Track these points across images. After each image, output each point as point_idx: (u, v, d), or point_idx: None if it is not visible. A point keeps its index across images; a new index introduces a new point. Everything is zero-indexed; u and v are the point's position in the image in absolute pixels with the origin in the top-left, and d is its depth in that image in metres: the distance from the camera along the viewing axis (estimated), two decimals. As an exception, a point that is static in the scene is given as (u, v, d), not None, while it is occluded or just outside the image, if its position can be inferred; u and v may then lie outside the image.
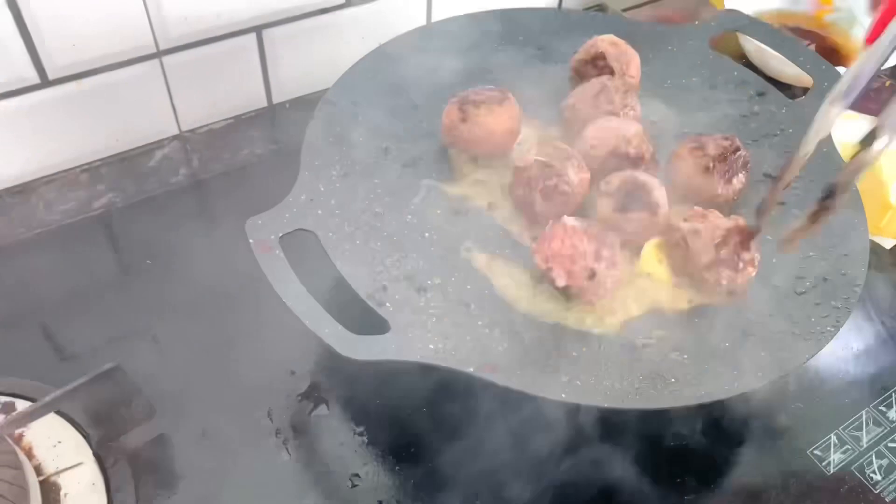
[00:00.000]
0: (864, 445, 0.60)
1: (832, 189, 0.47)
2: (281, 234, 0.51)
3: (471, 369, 0.46)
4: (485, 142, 0.62)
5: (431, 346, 0.48)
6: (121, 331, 0.61)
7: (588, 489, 0.55)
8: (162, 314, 0.62)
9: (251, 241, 0.49)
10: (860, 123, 0.86)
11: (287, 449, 0.55)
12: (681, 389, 0.49)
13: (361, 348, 0.45)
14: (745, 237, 0.54)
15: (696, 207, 0.57)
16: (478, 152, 0.63)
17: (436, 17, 0.85)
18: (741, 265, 0.54)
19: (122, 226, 0.70)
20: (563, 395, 0.46)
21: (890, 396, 0.63)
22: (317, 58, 0.81)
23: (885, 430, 0.61)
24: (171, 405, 0.56)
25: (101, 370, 0.49)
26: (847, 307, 0.54)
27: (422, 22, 0.85)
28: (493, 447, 0.55)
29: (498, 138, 0.62)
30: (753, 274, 0.55)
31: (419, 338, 0.48)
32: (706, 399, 0.48)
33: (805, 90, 0.83)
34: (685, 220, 0.56)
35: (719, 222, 0.55)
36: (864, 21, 0.95)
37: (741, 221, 0.56)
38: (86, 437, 0.53)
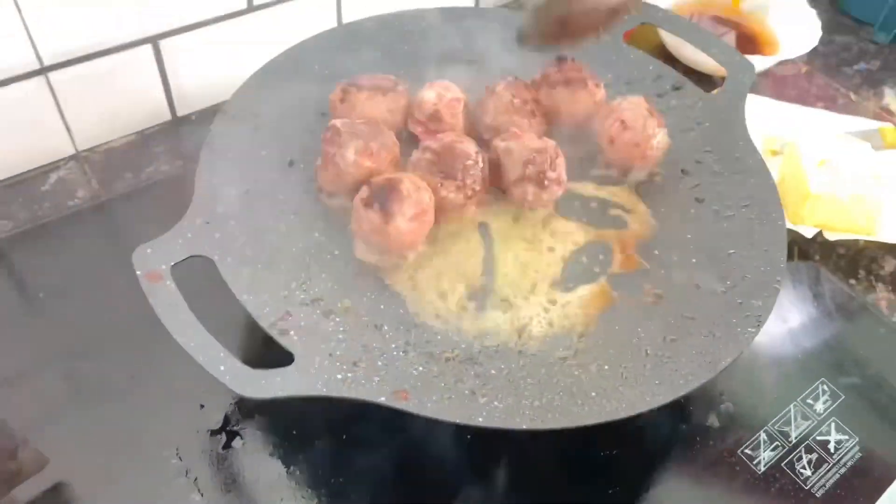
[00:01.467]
0: (794, 441, 0.59)
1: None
2: (173, 263, 0.47)
3: (382, 399, 0.44)
4: None
5: (339, 376, 0.45)
6: (7, 372, 0.56)
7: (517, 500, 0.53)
8: (55, 352, 0.58)
9: (139, 272, 0.46)
10: (779, 111, 0.86)
11: (198, 489, 0.52)
12: (602, 404, 0.47)
13: (260, 385, 0.42)
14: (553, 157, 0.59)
15: (513, 129, 0.61)
16: None
17: (346, 19, 0.82)
18: (547, 183, 0.58)
19: (13, 256, 0.65)
20: (480, 420, 0.44)
21: (816, 388, 0.62)
22: (221, 66, 0.77)
23: (814, 423, 0.60)
24: (68, 451, 0.52)
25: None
26: (767, 305, 0.53)
27: (332, 24, 0.82)
28: (422, 473, 0.53)
29: None
30: (559, 192, 0.59)
31: (326, 368, 0.45)
32: (628, 412, 0.46)
33: (722, 80, 0.83)
34: (502, 139, 0.60)
35: (530, 142, 0.59)
36: (778, 9, 0.95)
37: (551, 143, 0.59)
38: (-30, 496, 0.48)
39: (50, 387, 0.56)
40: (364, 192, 0.53)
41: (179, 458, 0.53)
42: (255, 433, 0.55)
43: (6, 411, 0.52)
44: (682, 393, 0.48)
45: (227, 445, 0.54)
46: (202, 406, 0.56)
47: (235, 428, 0.55)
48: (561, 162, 0.59)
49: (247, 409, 0.56)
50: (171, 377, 0.56)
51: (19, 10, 0.61)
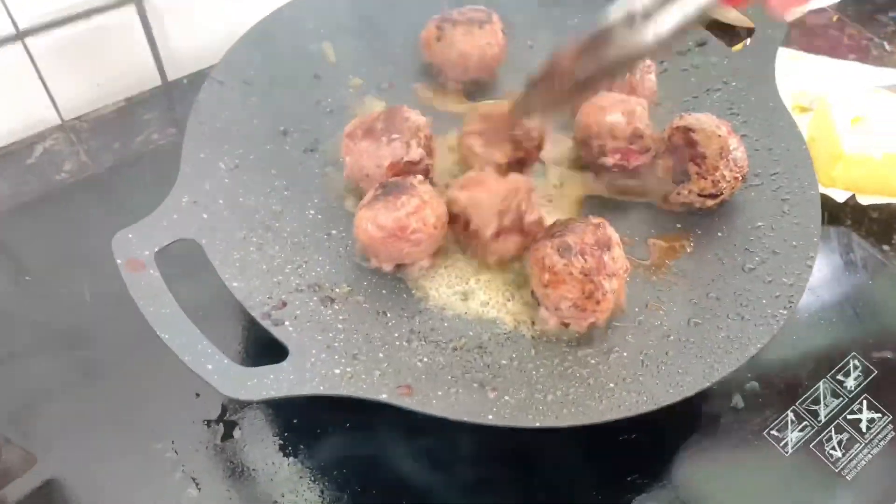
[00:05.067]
0: (823, 420, 0.56)
1: (603, 69, 0.44)
2: (157, 249, 0.44)
3: (383, 396, 0.40)
4: (461, 65, 0.59)
5: (338, 371, 0.42)
6: (-1, 362, 0.54)
7: (532, 490, 0.50)
8: (42, 337, 0.55)
9: (119, 261, 0.42)
10: (808, 64, 0.81)
11: (195, 483, 0.49)
12: (622, 396, 0.44)
13: (251, 385, 0.39)
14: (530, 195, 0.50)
15: (470, 172, 0.52)
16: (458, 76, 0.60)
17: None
18: (530, 228, 0.50)
19: (-2, 235, 0.62)
20: (490, 418, 0.41)
21: (847, 364, 0.59)
22: (214, 26, 0.72)
23: (844, 402, 0.57)
24: (57, 447, 0.49)
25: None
26: (800, 283, 0.50)
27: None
28: (425, 462, 0.50)
29: (475, 62, 0.59)
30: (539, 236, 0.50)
31: (323, 362, 0.42)
32: (649, 407, 0.43)
33: (748, 32, 0.77)
34: (461, 187, 0.51)
35: (496, 186, 0.50)
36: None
37: (520, 180, 0.50)
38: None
39: (36, 375, 0.53)
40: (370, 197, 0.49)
41: (175, 450, 0.51)
42: (255, 423, 0.52)
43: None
44: (708, 383, 0.45)
45: (226, 436, 0.51)
46: (198, 395, 0.53)
47: (234, 418, 0.52)
48: (535, 199, 0.51)
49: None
50: (165, 364, 0.52)
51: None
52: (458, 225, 0.50)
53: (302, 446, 0.51)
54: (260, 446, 0.51)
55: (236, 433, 0.52)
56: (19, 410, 0.50)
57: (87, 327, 0.56)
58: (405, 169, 0.50)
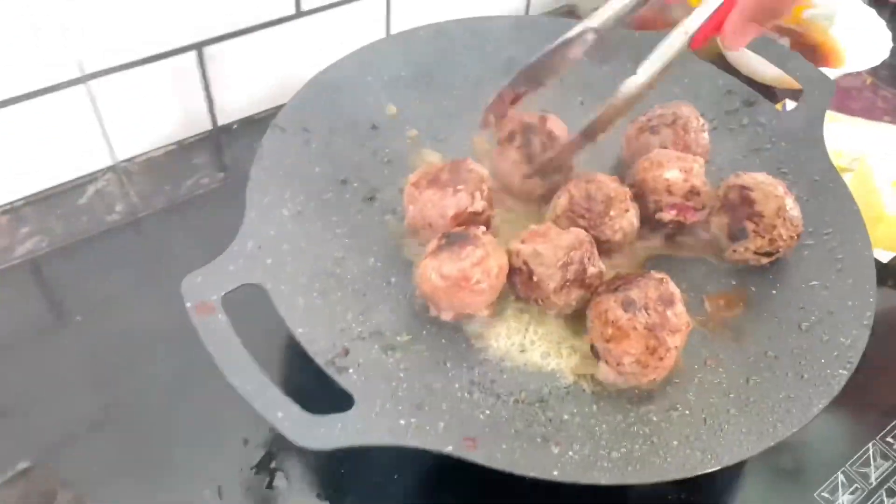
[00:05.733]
0: (874, 482, 0.55)
1: (591, 127, 0.50)
2: (224, 293, 0.44)
3: (449, 448, 0.40)
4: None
5: (402, 422, 0.42)
6: (40, 397, 0.53)
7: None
8: (91, 377, 0.55)
9: (188, 304, 0.43)
10: (845, 125, 0.82)
11: (241, 529, 0.49)
12: (686, 454, 0.43)
13: (320, 434, 0.39)
14: (593, 247, 0.51)
15: (532, 226, 0.52)
16: None
17: (395, 28, 0.79)
18: (591, 281, 0.51)
19: (49, 274, 0.62)
20: (556, 474, 0.40)
21: (896, 426, 0.58)
22: (266, 74, 0.74)
23: (894, 464, 0.56)
24: (105, 488, 0.49)
25: (14, 471, 0.41)
26: (858, 344, 0.50)
27: (381, 33, 0.78)
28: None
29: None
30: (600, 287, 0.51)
31: (388, 412, 0.42)
32: (714, 466, 0.43)
33: (785, 92, 0.79)
34: (523, 241, 0.51)
35: (560, 240, 0.50)
36: (844, 16, 0.91)
37: (581, 234, 0.51)
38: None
39: (85, 414, 0.53)
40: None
41: (220, 496, 0.50)
42: (301, 472, 0.51)
43: (39, 441, 0.50)
44: (772, 443, 0.44)
45: (271, 485, 0.51)
46: (246, 441, 0.52)
47: (280, 466, 0.52)
48: (596, 252, 0.51)
49: (293, 446, 0.52)
50: (213, 407, 0.53)
51: (63, 17, 0.58)
52: (519, 277, 0.50)
53: (349, 498, 0.50)
54: (306, 495, 0.50)
55: (282, 481, 0.51)
56: (68, 449, 0.50)
57: (135, 368, 0.56)
58: (468, 219, 0.50)
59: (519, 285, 0.51)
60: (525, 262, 0.50)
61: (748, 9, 0.38)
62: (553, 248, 0.49)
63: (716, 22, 0.41)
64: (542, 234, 0.50)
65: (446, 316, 0.49)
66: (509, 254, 0.50)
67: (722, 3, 0.41)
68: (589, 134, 0.51)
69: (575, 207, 0.53)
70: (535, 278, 0.49)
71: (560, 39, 0.51)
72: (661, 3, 0.75)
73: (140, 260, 0.64)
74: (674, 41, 0.45)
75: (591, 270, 0.49)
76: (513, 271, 0.50)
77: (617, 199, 0.53)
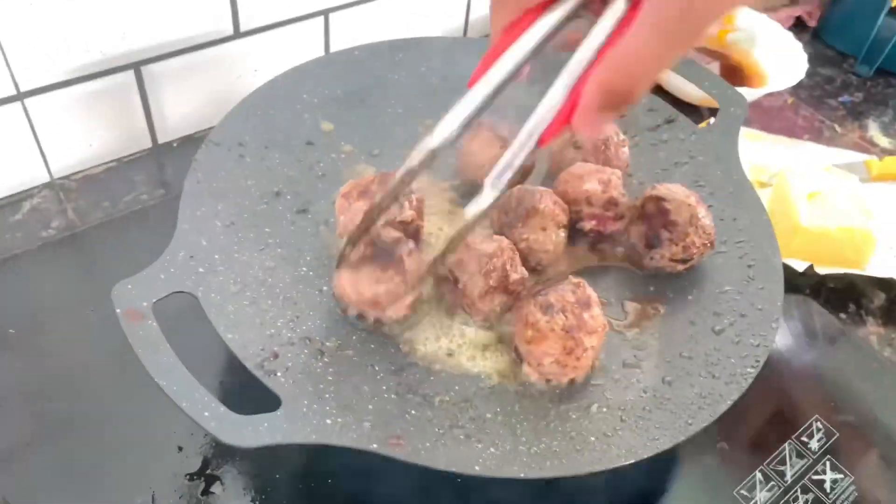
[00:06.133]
0: (789, 481, 0.58)
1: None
2: (155, 300, 0.45)
3: (374, 446, 0.42)
4: None
5: (329, 421, 0.43)
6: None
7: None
8: (24, 390, 0.55)
9: (118, 311, 0.44)
10: (766, 143, 0.86)
11: (175, 537, 0.49)
12: (602, 449, 0.45)
13: (247, 433, 0.40)
14: (514, 254, 0.52)
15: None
16: None
17: (334, 48, 0.81)
18: (514, 287, 0.52)
19: (-18, 289, 0.62)
20: (477, 469, 0.42)
21: (811, 426, 0.61)
22: (206, 93, 0.75)
23: (809, 462, 0.59)
24: (35, 497, 0.49)
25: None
26: (765, 344, 0.52)
27: (320, 53, 0.80)
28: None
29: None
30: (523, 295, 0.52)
31: (315, 412, 0.43)
32: (629, 459, 0.45)
33: (712, 111, 0.83)
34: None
35: (483, 248, 0.52)
36: (764, 41, 0.96)
37: (503, 241, 0.53)
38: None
39: (18, 427, 0.53)
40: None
41: (153, 503, 0.50)
42: (237, 477, 0.52)
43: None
44: (683, 437, 0.47)
45: (207, 491, 0.51)
46: (180, 448, 0.53)
47: (215, 472, 0.52)
48: (518, 258, 0.53)
49: (227, 451, 0.53)
50: (146, 417, 0.54)
51: (-2, 35, 0.59)
52: (446, 286, 0.52)
53: (284, 502, 0.51)
54: (242, 501, 0.51)
55: (217, 488, 0.52)
56: (2, 462, 0.50)
57: (69, 381, 0.56)
58: (398, 228, 0.52)
59: (447, 293, 0.53)
60: (450, 271, 0.52)
61: (595, 101, 0.34)
62: (476, 256, 0.51)
63: (561, 118, 0.37)
64: (467, 243, 0.52)
65: (353, 312, 0.51)
66: (434, 262, 0.52)
67: (563, 103, 0.36)
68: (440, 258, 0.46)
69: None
70: (460, 286, 0.51)
71: (405, 170, 0.41)
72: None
73: (75, 274, 0.64)
74: (518, 152, 0.39)
75: (514, 276, 0.51)
76: (438, 279, 0.52)
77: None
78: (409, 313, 0.51)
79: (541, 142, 0.38)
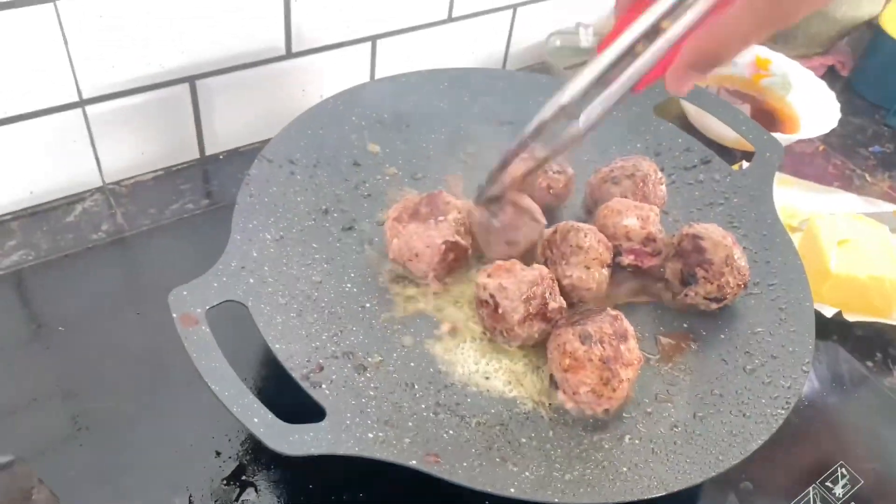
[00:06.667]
0: (814, 525, 0.58)
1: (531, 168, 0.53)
2: (208, 307, 0.47)
3: (413, 462, 0.43)
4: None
5: (371, 435, 0.44)
6: (20, 404, 0.55)
7: None
8: (70, 387, 0.57)
9: (174, 315, 0.45)
10: (797, 188, 0.87)
11: (209, 540, 0.50)
12: (634, 480, 0.46)
13: (294, 441, 0.41)
14: (553, 283, 0.55)
15: (497, 261, 0.56)
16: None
17: (379, 73, 0.83)
18: (552, 315, 0.54)
19: (34, 287, 0.64)
20: (512, 491, 0.43)
21: (835, 472, 0.62)
22: (255, 109, 0.77)
23: (832, 507, 0.59)
24: (76, 492, 0.50)
25: (-3, 464, 0.43)
26: (796, 386, 0.53)
27: (365, 77, 0.83)
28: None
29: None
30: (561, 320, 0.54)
31: (357, 425, 0.44)
32: (660, 492, 0.46)
33: (745, 154, 0.84)
34: (489, 275, 0.55)
35: (524, 275, 0.54)
36: (798, 87, 0.98)
37: (544, 269, 0.55)
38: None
39: (62, 422, 0.55)
40: None
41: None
42: (270, 485, 0.53)
43: (17, 445, 0.51)
44: (714, 473, 0.47)
45: (240, 497, 0.53)
46: (218, 453, 0.54)
47: (250, 479, 0.54)
48: (557, 288, 0.55)
49: (263, 459, 0.55)
50: (187, 421, 0.55)
51: (66, 44, 0.62)
52: (486, 309, 0.54)
53: (316, 512, 0.53)
54: (275, 508, 0.52)
55: (251, 494, 0.53)
56: (46, 455, 0.52)
57: (112, 380, 0.58)
58: (453, 248, 0.54)
59: (485, 317, 0.54)
60: (491, 296, 0.53)
61: (690, 57, 0.40)
62: (517, 282, 0.52)
63: (658, 69, 0.42)
64: (508, 269, 0.53)
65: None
66: (477, 287, 0.53)
67: (663, 55, 0.42)
68: (528, 172, 0.54)
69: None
70: (500, 310, 0.52)
71: (538, 120, 0.48)
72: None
73: (122, 277, 0.66)
74: (616, 90, 0.44)
75: (552, 305, 0.53)
76: (480, 303, 0.54)
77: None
78: (439, 290, 0.54)
79: (637, 87, 0.43)
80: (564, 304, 0.54)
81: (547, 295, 0.53)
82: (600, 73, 0.43)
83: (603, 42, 0.44)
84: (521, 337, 0.53)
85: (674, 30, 0.41)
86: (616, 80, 0.43)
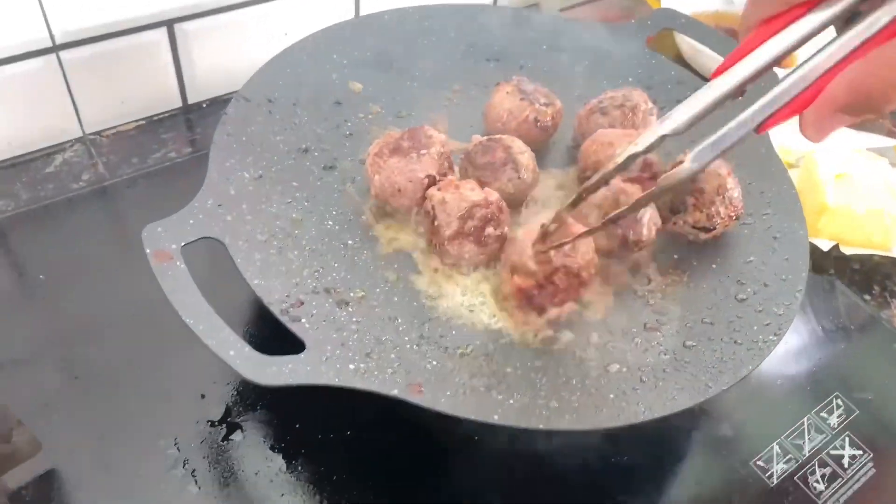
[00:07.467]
0: (807, 454, 0.58)
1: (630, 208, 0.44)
2: (183, 243, 0.46)
3: (395, 392, 0.42)
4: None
5: (352, 367, 0.43)
6: (4, 354, 0.55)
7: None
8: (53, 336, 0.56)
9: (148, 251, 0.44)
10: (795, 125, 0.85)
11: (196, 480, 0.50)
12: (621, 406, 0.46)
13: (270, 372, 0.40)
14: (500, 212, 0.52)
15: (451, 178, 0.54)
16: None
17: (364, 11, 0.81)
18: (487, 240, 0.52)
19: (13, 237, 0.63)
20: (496, 418, 0.42)
21: (830, 402, 0.61)
22: (237, 54, 0.76)
23: (827, 438, 0.59)
24: (63, 437, 0.50)
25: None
26: (788, 314, 0.52)
27: (350, 15, 0.80)
28: (428, 469, 0.51)
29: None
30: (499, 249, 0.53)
31: (338, 357, 0.44)
32: (646, 417, 0.45)
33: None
34: (438, 188, 0.53)
35: (469, 194, 0.52)
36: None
37: (493, 195, 0.53)
38: (-41, 477, 0.46)
39: (46, 371, 0.54)
40: None
41: (177, 447, 0.51)
42: (257, 426, 0.53)
43: (2, 394, 0.51)
44: (702, 398, 0.47)
45: (227, 437, 0.52)
46: (203, 396, 0.54)
47: (237, 420, 0.53)
48: (505, 218, 0.53)
49: (249, 401, 0.54)
50: (172, 365, 0.55)
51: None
52: (426, 219, 0.53)
53: (303, 450, 0.52)
54: (261, 448, 0.52)
55: (238, 435, 0.53)
56: (29, 403, 0.51)
57: (97, 328, 0.57)
58: (435, 182, 0.53)
59: (426, 230, 0.54)
60: (433, 207, 0.52)
61: (839, 99, 0.31)
62: (459, 199, 0.52)
63: (791, 108, 0.35)
64: (458, 185, 0.53)
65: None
66: (426, 197, 0.53)
67: (801, 92, 0.34)
68: (616, 217, 0.45)
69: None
70: (436, 223, 0.52)
71: (628, 153, 0.42)
72: None
73: (103, 226, 0.65)
74: (734, 131, 0.38)
75: (490, 231, 0.52)
76: (424, 214, 0.53)
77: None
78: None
79: (762, 128, 0.36)
80: (507, 235, 0.53)
81: (489, 218, 0.51)
82: (711, 106, 0.37)
83: (720, 66, 0.37)
84: (451, 255, 0.52)
85: (817, 60, 0.33)
86: (733, 120, 0.37)
